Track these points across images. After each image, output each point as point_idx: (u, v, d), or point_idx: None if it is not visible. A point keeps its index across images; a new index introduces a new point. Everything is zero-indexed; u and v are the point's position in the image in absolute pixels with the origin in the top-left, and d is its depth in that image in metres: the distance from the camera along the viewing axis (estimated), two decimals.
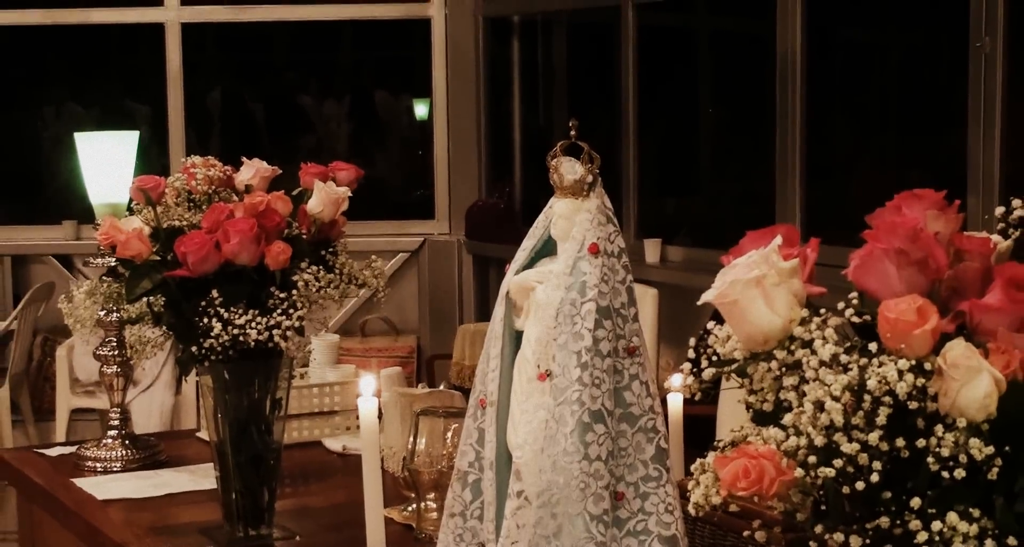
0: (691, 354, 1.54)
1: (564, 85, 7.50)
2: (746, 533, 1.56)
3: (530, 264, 2.00)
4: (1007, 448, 1.37)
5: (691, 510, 1.50)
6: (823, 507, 1.44)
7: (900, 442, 1.37)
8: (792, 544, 1.47)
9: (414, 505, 2.57)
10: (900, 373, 1.36)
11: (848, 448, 1.36)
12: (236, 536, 2.57)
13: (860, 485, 1.37)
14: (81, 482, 3.01)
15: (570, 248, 1.94)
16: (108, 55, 8.14)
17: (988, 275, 1.45)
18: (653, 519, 1.92)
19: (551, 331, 1.92)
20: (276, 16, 7.79)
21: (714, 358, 1.50)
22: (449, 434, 2.46)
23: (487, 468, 2.01)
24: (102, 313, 2.96)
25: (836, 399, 1.37)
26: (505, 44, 7.47)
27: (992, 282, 1.44)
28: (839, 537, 1.40)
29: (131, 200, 2.63)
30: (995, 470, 1.36)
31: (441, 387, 3.39)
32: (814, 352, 1.42)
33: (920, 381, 1.37)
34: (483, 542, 2.03)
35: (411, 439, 2.51)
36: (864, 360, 1.39)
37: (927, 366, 1.38)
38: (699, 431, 2.15)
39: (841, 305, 1.48)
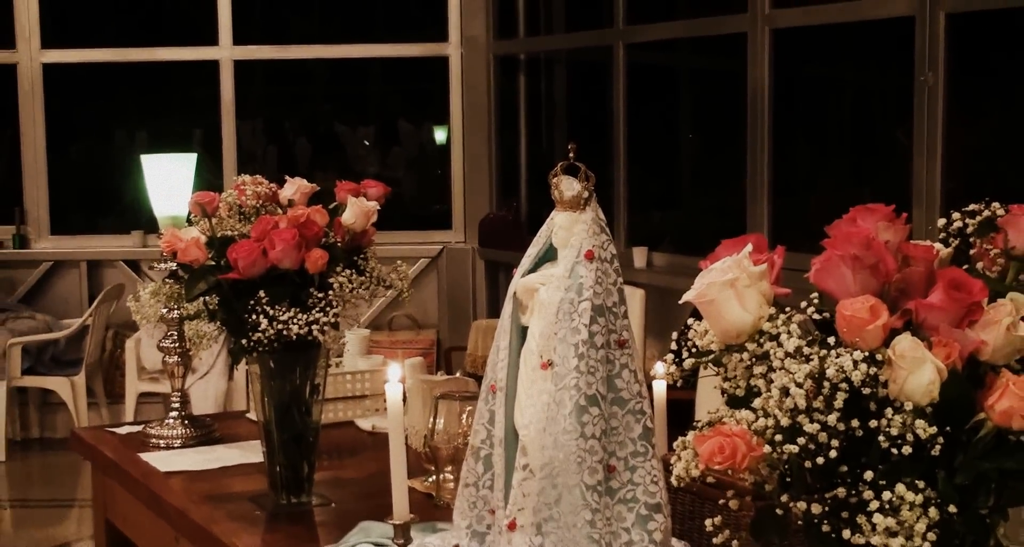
0: (673, 346, 1.54)
1: (564, 114, 7.50)
2: (721, 501, 1.56)
3: (534, 268, 2.00)
4: (948, 428, 1.37)
5: (673, 481, 1.50)
6: (788, 479, 1.43)
7: (855, 423, 1.37)
8: (761, 511, 1.47)
9: (434, 476, 2.57)
10: (855, 363, 1.36)
11: (810, 428, 1.36)
12: (280, 503, 2.56)
13: (820, 460, 1.37)
14: (147, 456, 3.00)
15: (569, 254, 1.93)
16: (171, 88, 8.15)
17: (931, 278, 1.45)
18: (640, 489, 1.91)
19: (552, 326, 1.92)
20: (315, 54, 7.80)
21: (693, 350, 1.50)
22: (464, 415, 2.46)
23: (497, 444, 2.01)
24: (165, 311, 2.96)
25: (799, 386, 1.36)
26: (513, 79, 7.48)
27: (935, 284, 1.43)
28: (802, 505, 1.40)
29: (190, 213, 2.63)
30: (937, 447, 1.35)
31: (457, 374, 3.40)
32: (780, 345, 1.41)
33: (872, 370, 1.36)
34: (493, 509, 2.03)
35: (431, 419, 2.51)
36: (824, 352, 1.39)
37: (878, 357, 1.38)
38: (680, 413, 2.15)
39: (804, 304, 1.48)
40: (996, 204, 1.64)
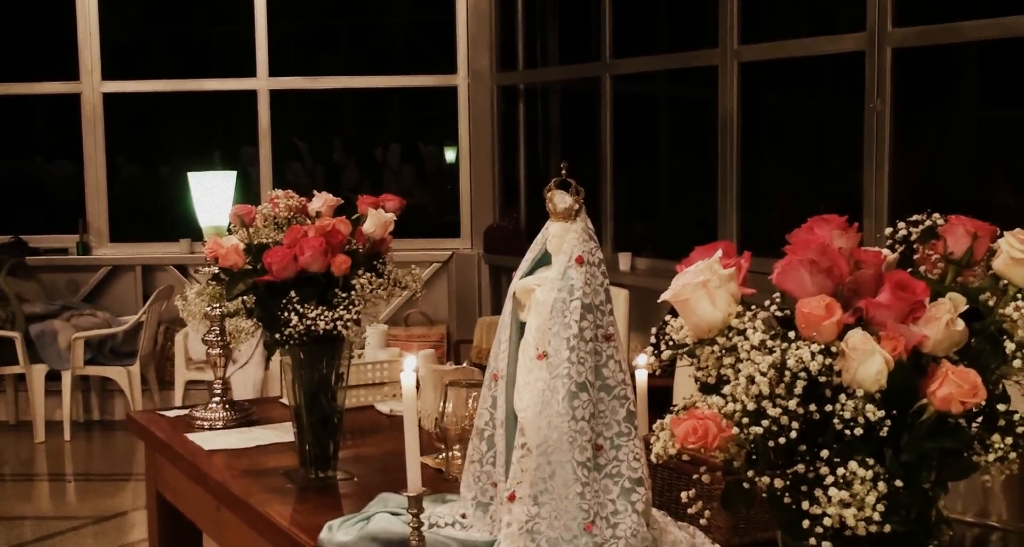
0: (653, 340, 1.53)
1: (558, 136, 7.50)
2: (695, 476, 1.55)
3: (531, 271, 1.99)
4: (894, 412, 1.36)
5: (653, 458, 1.49)
6: (754, 457, 1.42)
7: (812, 407, 1.36)
8: (730, 485, 1.46)
9: (444, 454, 2.56)
10: (812, 355, 1.35)
11: (773, 412, 1.35)
12: (309, 477, 2.55)
13: (782, 440, 1.36)
14: (192, 436, 2.99)
15: (561, 259, 1.93)
16: (215, 114, 8.15)
17: (880, 280, 1.44)
18: (625, 465, 1.91)
19: (547, 322, 1.91)
20: (342, 84, 7.80)
21: (670, 343, 1.49)
22: (470, 400, 2.45)
23: (499, 426, 2.00)
24: (208, 309, 2.95)
25: (763, 374, 1.36)
26: (513, 106, 7.47)
27: (883, 285, 1.42)
28: (766, 480, 1.39)
29: (230, 223, 2.62)
30: (885, 429, 1.35)
31: (464, 364, 3.38)
32: (747, 338, 1.40)
33: (828, 361, 1.36)
34: (496, 482, 2.02)
35: (441, 404, 2.50)
36: (785, 345, 1.38)
37: (833, 349, 1.37)
38: (660, 398, 2.14)
39: (767, 303, 1.47)
40: (936, 215, 1.63)
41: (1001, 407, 1.40)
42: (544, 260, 1.98)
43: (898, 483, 1.34)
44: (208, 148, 8.29)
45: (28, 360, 6.97)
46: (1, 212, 8.19)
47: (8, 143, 8.38)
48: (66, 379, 6.98)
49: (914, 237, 1.63)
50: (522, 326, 1.97)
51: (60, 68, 7.65)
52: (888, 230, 1.64)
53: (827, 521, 1.33)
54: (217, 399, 3.17)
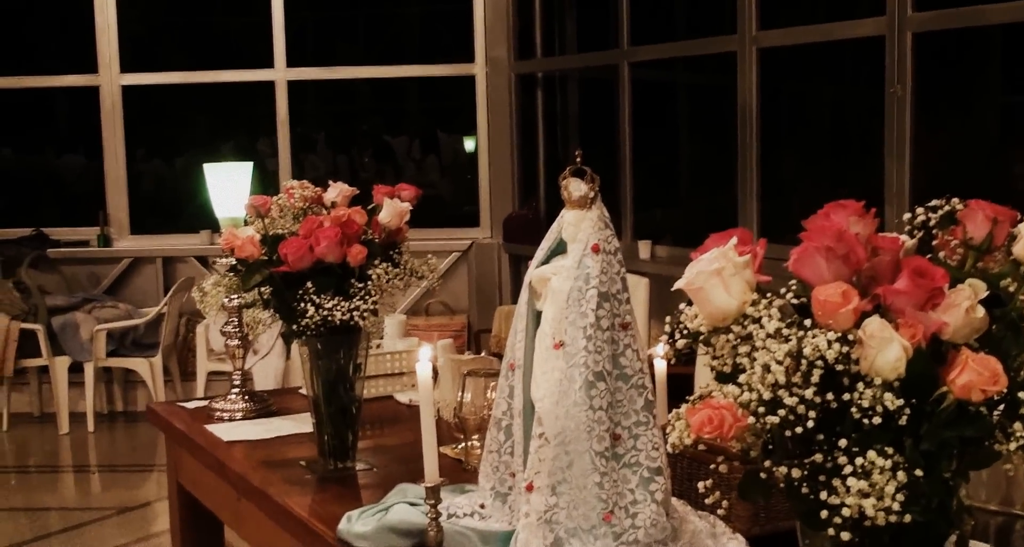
0: (667, 329, 1.52)
1: (576, 125, 7.47)
2: (712, 466, 1.53)
3: (547, 260, 1.98)
4: (913, 400, 1.34)
5: (669, 448, 1.48)
6: (771, 446, 1.41)
7: (830, 396, 1.34)
8: (747, 475, 1.45)
9: (462, 444, 2.55)
10: (829, 343, 1.34)
11: (789, 401, 1.33)
12: (328, 468, 2.55)
13: (799, 429, 1.34)
14: (212, 427, 3.00)
15: (577, 248, 1.92)
16: (233, 105, 8.16)
17: (897, 266, 1.42)
18: (643, 454, 1.90)
19: (563, 311, 1.90)
20: (359, 75, 7.80)
21: (685, 331, 1.48)
22: (489, 390, 2.44)
23: (516, 416, 1.99)
24: (226, 300, 2.95)
25: (779, 363, 1.34)
26: (531, 95, 7.46)
27: (901, 272, 1.41)
28: (783, 470, 1.38)
29: (246, 214, 2.62)
30: (904, 418, 1.33)
31: (483, 354, 3.38)
32: (762, 327, 1.39)
33: (845, 349, 1.34)
34: (514, 472, 2.01)
35: (460, 393, 2.49)
36: (801, 333, 1.36)
37: (850, 337, 1.35)
38: (680, 387, 2.13)
39: (783, 290, 1.45)
40: (956, 200, 1.61)
41: (1023, 395, 1.38)
42: (560, 249, 1.97)
43: (918, 472, 1.33)
44: (226, 139, 8.30)
45: (51, 352, 7.00)
46: (22, 205, 8.23)
47: (28, 136, 8.41)
48: (89, 371, 7.01)
49: (933, 223, 1.61)
50: (538, 315, 1.96)
51: (78, 61, 7.67)
52: (907, 216, 1.62)
53: (846, 511, 1.32)
54: (236, 390, 3.17)
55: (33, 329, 6.98)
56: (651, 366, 2.00)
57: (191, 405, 3.27)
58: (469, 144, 8.00)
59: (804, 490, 1.36)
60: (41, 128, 8.49)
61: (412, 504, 2.06)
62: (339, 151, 8.54)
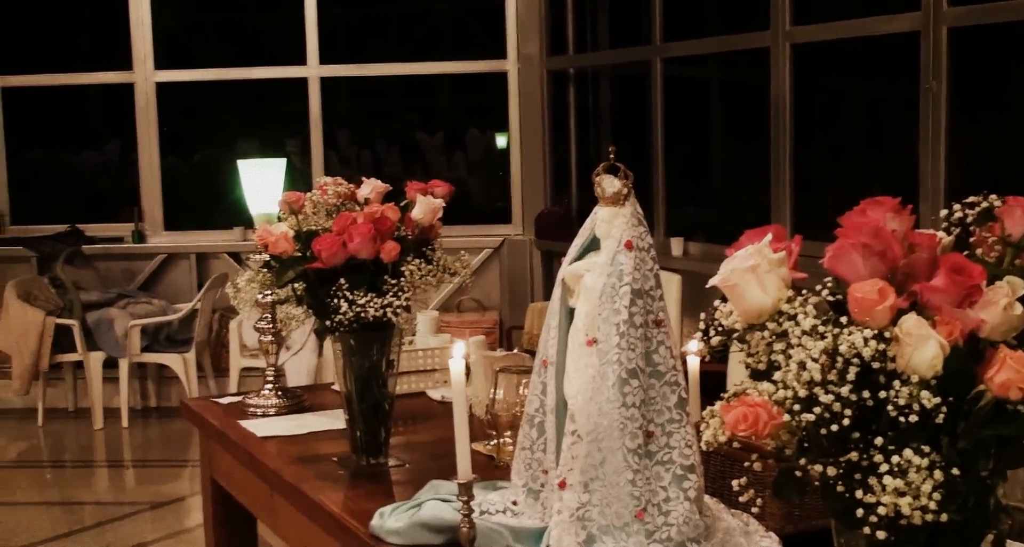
0: (702, 325, 1.51)
1: (608, 121, 7.46)
2: (747, 464, 1.52)
3: (580, 257, 1.98)
4: (950, 398, 1.33)
5: (703, 446, 1.47)
6: (806, 444, 1.40)
7: (866, 394, 1.33)
8: (782, 473, 1.44)
9: (495, 441, 2.55)
10: (865, 340, 1.33)
11: (825, 399, 1.33)
12: (360, 464, 2.56)
13: (834, 427, 1.33)
14: (245, 423, 3.00)
15: (611, 244, 1.91)
16: (266, 102, 8.19)
17: (934, 263, 1.41)
18: (676, 452, 1.89)
19: (596, 308, 1.89)
20: (392, 71, 7.81)
21: (719, 328, 1.47)
22: (521, 387, 2.44)
23: (549, 412, 1.99)
24: (259, 296, 2.96)
25: (815, 360, 1.33)
26: (563, 91, 7.45)
27: (938, 269, 1.40)
28: (818, 468, 1.37)
29: (280, 210, 2.63)
30: (941, 416, 1.32)
31: (515, 351, 3.38)
32: (798, 324, 1.38)
33: (881, 346, 1.33)
34: (546, 469, 2.01)
35: (492, 390, 2.49)
36: (837, 330, 1.35)
37: (887, 335, 1.34)
38: (713, 384, 2.12)
39: (819, 287, 1.44)
40: (993, 196, 1.60)
41: None
42: (593, 245, 1.96)
43: (955, 471, 1.32)
44: (260, 137, 8.33)
45: (86, 348, 7.05)
46: (57, 202, 8.29)
47: (63, 133, 8.47)
48: (123, 366, 7.05)
49: (970, 219, 1.59)
50: (571, 312, 1.96)
51: (113, 58, 7.71)
52: (943, 212, 1.61)
53: (881, 510, 1.31)
54: (269, 386, 3.18)
55: (68, 325, 7.03)
56: (684, 363, 1.99)
57: (225, 401, 3.28)
58: (501, 141, 8.00)
59: (839, 488, 1.35)
60: (76, 125, 8.55)
61: (444, 500, 2.06)
62: (370, 148, 8.55)
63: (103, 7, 7.95)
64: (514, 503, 2.06)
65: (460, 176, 8.27)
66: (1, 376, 7.53)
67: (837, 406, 1.32)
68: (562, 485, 1.90)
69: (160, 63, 7.66)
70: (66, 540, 5.24)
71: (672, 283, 5.03)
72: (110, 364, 7.07)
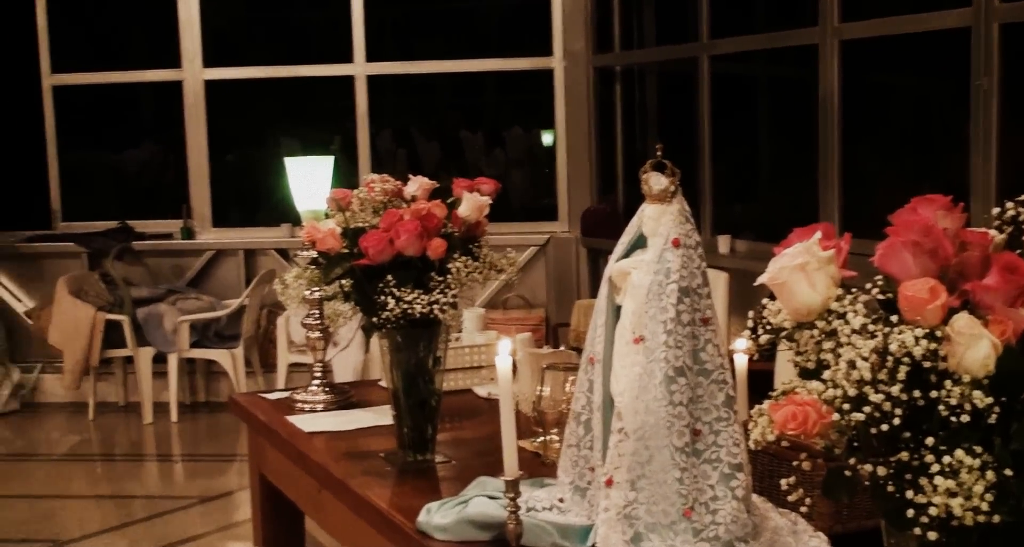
0: (750, 323, 1.50)
1: (655, 118, 7.43)
2: (795, 463, 1.52)
3: (627, 254, 1.97)
4: (1003, 398, 1.32)
5: (751, 444, 1.46)
6: (856, 444, 1.39)
7: (917, 393, 1.32)
8: (831, 472, 1.43)
9: (541, 438, 2.55)
10: (916, 339, 1.32)
11: (875, 398, 1.32)
12: (407, 460, 2.56)
13: (885, 427, 1.32)
14: (293, 419, 3.02)
15: (658, 242, 1.91)
16: (313, 100, 8.23)
17: (987, 262, 1.39)
18: (723, 450, 1.88)
19: (643, 306, 1.89)
20: (437, 69, 7.82)
21: (768, 326, 1.46)
22: (568, 384, 2.43)
23: (596, 410, 1.99)
24: (307, 292, 2.97)
25: (865, 359, 1.32)
26: (610, 88, 7.43)
27: (990, 267, 1.38)
28: (868, 467, 1.36)
29: (327, 208, 2.64)
30: (994, 416, 1.31)
31: (562, 348, 3.37)
32: (847, 322, 1.37)
33: (932, 345, 1.32)
34: (593, 467, 2.01)
35: (539, 387, 2.49)
36: (887, 329, 1.34)
37: (938, 334, 1.33)
38: (760, 383, 2.11)
39: (869, 285, 1.43)
40: None
41: None
42: (640, 243, 1.96)
43: (1007, 472, 1.30)
44: (307, 134, 8.37)
45: (136, 343, 7.12)
46: (107, 198, 8.38)
47: (113, 131, 8.55)
48: (172, 362, 7.11)
49: (1023, 217, 1.57)
50: (618, 310, 1.96)
51: (162, 56, 7.78)
52: (995, 210, 1.59)
53: (933, 511, 1.30)
54: (317, 382, 3.20)
55: (118, 320, 7.10)
56: (731, 361, 1.98)
57: (273, 396, 3.30)
58: (547, 138, 8.00)
59: (890, 489, 1.34)
60: (126, 123, 8.63)
61: (491, 497, 2.06)
62: (415, 145, 8.57)
63: (153, 6, 8.02)
64: (560, 500, 2.05)
65: (499, 174, 8.28)
66: (53, 371, 7.62)
67: (887, 405, 1.31)
68: (609, 483, 1.89)
69: (208, 61, 7.72)
70: (116, 533, 5.29)
71: (719, 281, 5.01)
72: (159, 359, 7.14)
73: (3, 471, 6.41)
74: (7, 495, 5.90)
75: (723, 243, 6.31)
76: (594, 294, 1.95)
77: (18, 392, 7.61)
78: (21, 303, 7.83)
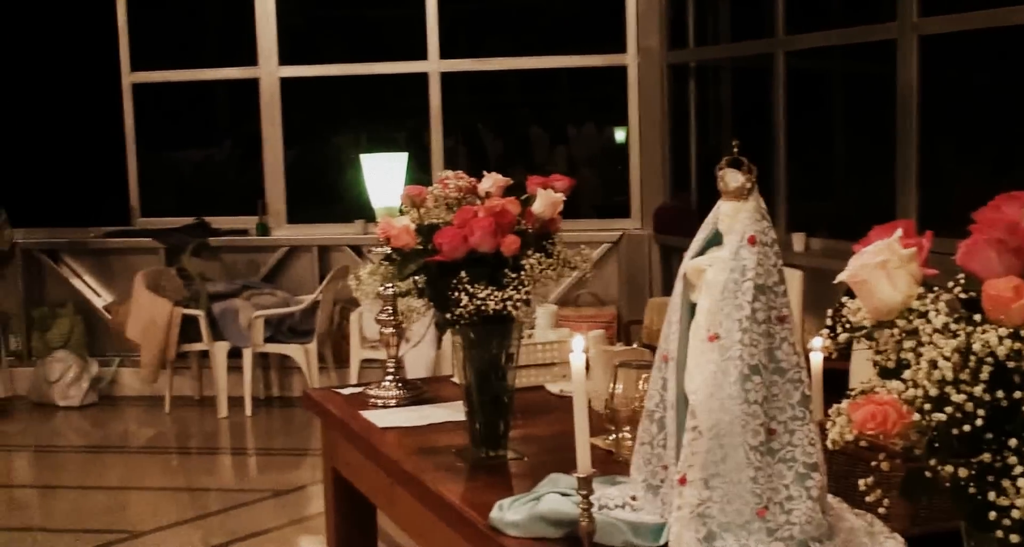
0: (829, 322, 1.48)
1: (729, 114, 7.38)
2: (873, 463, 1.50)
3: (702, 252, 1.96)
4: None
5: (829, 444, 1.45)
6: (936, 445, 1.37)
7: (1000, 394, 1.30)
8: (911, 473, 1.41)
9: (614, 435, 2.54)
10: (1000, 339, 1.29)
11: (957, 398, 1.30)
12: (480, 456, 2.57)
13: (967, 428, 1.30)
14: (366, 413, 3.03)
15: (733, 239, 1.89)
16: (387, 97, 8.27)
17: None
18: (799, 450, 1.86)
19: (718, 303, 1.88)
20: (510, 66, 7.83)
21: (847, 325, 1.44)
22: (640, 381, 2.42)
23: (669, 408, 1.98)
24: (381, 288, 2.98)
25: (947, 359, 1.30)
26: (683, 84, 7.39)
27: None
28: (949, 469, 1.34)
29: (402, 204, 2.64)
30: None
31: (635, 345, 3.35)
32: (929, 321, 1.35)
33: (1017, 345, 1.30)
34: (666, 465, 2.00)
35: (611, 385, 2.48)
36: (970, 328, 1.32)
37: (1022, 333, 1.30)
38: (835, 382, 2.08)
39: (951, 284, 1.41)
40: None
41: None
42: (715, 240, 1.95)
43: None
44: (381, 131, 8.42)
45: (211, 337, 7.21)
46: (184, 195, 8.49)
47: (190, 128, 8.66)
48: (247, 356, 7.19)
49: None
50: (693, 307, 1.94)
51: (239, 54, 7.86)
52: None
53: (1015, 513, 1.28)
54: (390, 378, 3.21)
55: (195, 315, 7.19)
56: (806, 360, 1.96)
57: (346, 391, 3.31)
58: (620, 135, 7.97)
59: (971, 490, 1.32)
60: (202, 120, 8.74)
61: (563, 494, 2.06)
62: (489, 142, 8.58)
63: (229, 4, 8.11)
64: (633, 498, 2.05)
65: (579, 171, 8.26)
66: (131, 364, 7.75)
67: (969, 406, 1.29)
68: (682, 481, 1.88)
69: (283, 59, 7.79)
70: (191, 525, 5.36)
71: (793, 279, 4.97)
72: (234, 354, 7.22)
73: (81, 463, 6.53)
74: (85, 486, 6.01)
75: (798, 241, 6.25)
76: (667, 291, 1.94)
77: (96, 385, 7.75)
78: (100, 298, 7.97)
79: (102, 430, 7.22)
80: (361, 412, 3.05)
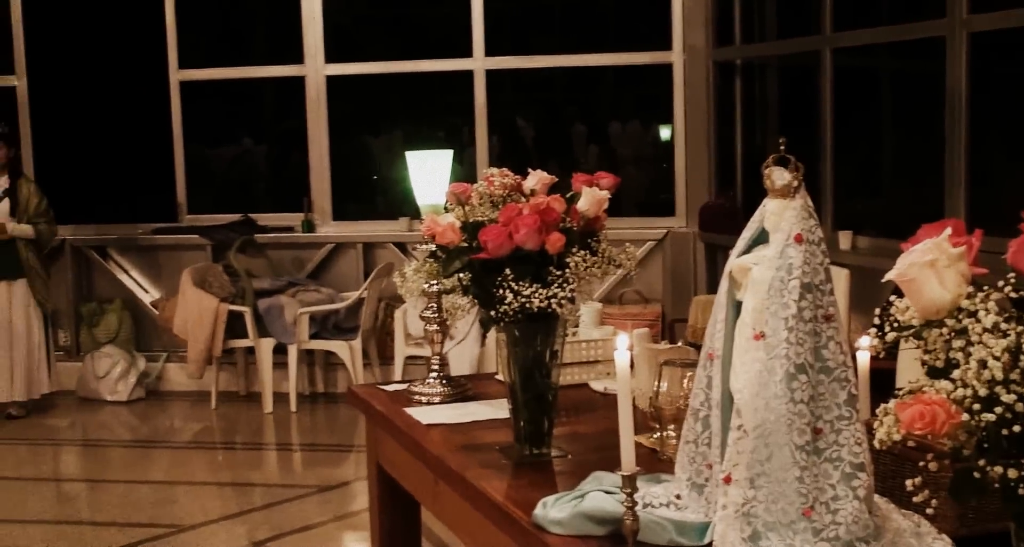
0: (876, 321, 1.47)
1: (775, 112, 7.34)
2: (921, 463, 1.48)
3: (748, 250, 1.95)
4: None
5: (876, 444, 1.44)
6: (985, 445, 1.36)
7: None
8: (959, 474, 1.40)
9: (658, 434, 2.53)
10: None
11: (1007, 398, 1.28)
12: (524, 454, 2.56)
13: (1017, 428, 1.29)
14: (411, 410, 3.04)
15: (780, 238, 1.88)
16: (432, 93, 8.29)
17: None
18: (845, 449, 1.85)
19: (764, 302, 1.87)
20: (556, 63, 7.82)
21: (895, 324, 1.43)
22: (685, 380, 2.41)
23: (714, 407, 1.97)
24: (426, 285, 2.99)
25: (997, 359, 1.29)
26: (729, 82, 7.36)
27: None
28: (999, 469, 1.32)
29: (446, 201, 2.65)
30: None
31: (679, 344, 3.34)
32: (978, 321, 1.34)
33: None
34: (711, 463, 1.99)
35: (656, 383, 2.48)
36: (1021, 328, 1.31)
37: None
38: (882, 381, 2.07)
39: (1000, 283, 1.39)
40: None
41: None
42: (761, 238, 1.93)
43: None
44: (426, 128, 8.44)
45: (257, 334, 7.25)
46: (231, 191, 8.55)
47: (236, 125, 8.71)
48: (292, 352, 7.23)
49: None
50: (738, 306, 1.94)
51: (285, 52, 7.91)
52: None
53: None
54: (434, 374, 3.21)
55: (241, 311, 7.24)
56: (853, 359, 1.94)
57: (390, 388, 3.32)
58: (665, 133, 7.95)
59: (1020, 491, 1.31)
60: (248, 117, 8.79)
61: (608, 492, 2.06)
62: (533, 139, 8.57)
63: (276, 2, 8.15)
64: (678, 497, 2.04)
65: (624, 168, 8.24)
66: (177, 360, 7.81)
67: (1020, 406, 1.28)
68: (727, 480, 1.88)
69: (329, 56, 7.83)
70: (236, 520, 5.40)
71: (840, 278, 4.94)
72: (280, 350, 7.27)
73: (128, 457, 6.59)
74: (132, 480, 6.07)
75: (844, 239, 6.21)
76: (712, 290, 1.94)
77: (143, 380, 7.83)
78: (148, 294, 8.04)
79: (149, 425, 7.28)
80: (405, 409, 3.06)
